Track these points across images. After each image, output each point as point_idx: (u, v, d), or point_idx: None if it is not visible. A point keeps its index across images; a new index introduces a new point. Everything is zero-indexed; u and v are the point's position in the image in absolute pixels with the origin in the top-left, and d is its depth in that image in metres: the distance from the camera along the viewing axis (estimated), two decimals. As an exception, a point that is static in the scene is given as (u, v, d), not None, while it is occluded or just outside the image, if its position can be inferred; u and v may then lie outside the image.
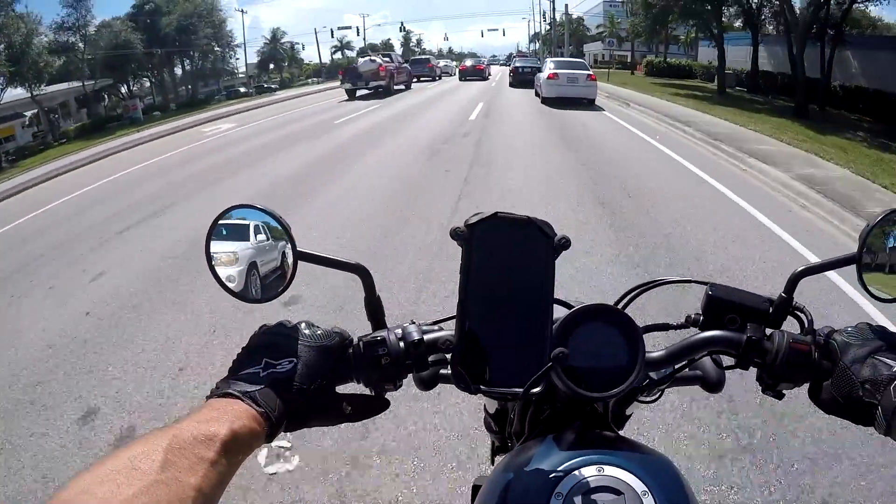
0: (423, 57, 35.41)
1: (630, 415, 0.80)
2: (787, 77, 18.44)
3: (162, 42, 30.47)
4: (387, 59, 22.59)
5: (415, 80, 30.43)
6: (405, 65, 25.29)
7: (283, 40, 52.58)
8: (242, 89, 37.51)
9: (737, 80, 22.45)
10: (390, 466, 2.21)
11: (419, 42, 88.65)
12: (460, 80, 29.83)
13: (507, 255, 0.55)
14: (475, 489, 0.78)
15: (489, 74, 32.63)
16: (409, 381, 0.65)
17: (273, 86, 41.49)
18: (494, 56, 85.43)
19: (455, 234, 0.55)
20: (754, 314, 0.64)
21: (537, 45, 76.88)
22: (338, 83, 21.56)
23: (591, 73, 15.02)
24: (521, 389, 0.53)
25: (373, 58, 21.30)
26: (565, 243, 0.55)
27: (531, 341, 0.55)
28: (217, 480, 0.42)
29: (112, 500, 0.35)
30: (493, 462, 1.01)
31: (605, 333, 0.60)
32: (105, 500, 0.35)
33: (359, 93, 20.89)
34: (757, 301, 0.65)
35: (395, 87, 22.81)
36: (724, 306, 0.65)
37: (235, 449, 0.44)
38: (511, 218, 0.55)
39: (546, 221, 0.55)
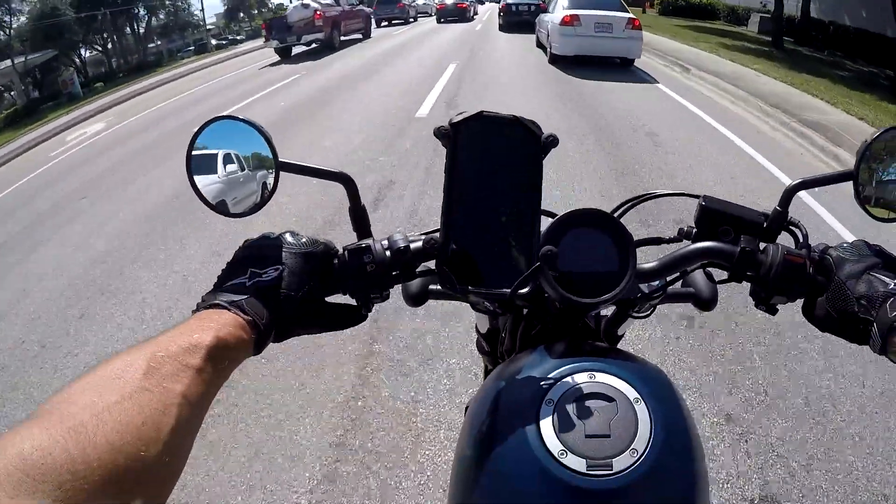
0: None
1: (622, 334, 0.79)
2: (848, 30, 14.78)
3: (96, 2, 26.87)
4: (329, 1, 16.45)
5: (384, 23, 25.30)
6: (360, 6, 18.88)
7: None
8: (213, 42, 33.99)
9: (773, 27, 17.53)
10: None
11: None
12: (437, 22, 23.93)
13: (494, 155, 0.55)
14: (468, 409, 0.70)
15: (474, 14, 26.37)
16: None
17: (240, 37, 37.38)
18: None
19: (439, 134, 0.54)
20: (748, 227, 0.63)
21: None
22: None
23: (632, 16, 9.32)
24: (508, 290, 0.53)
25: (305, 1, 15.17)
26: (553, 141, 0.55)
27: (519, 242, 0.54)
28: (203, 388, 0.41)
29: (95, 406, 0.35)
30: None
31: (596, 239, 0.60)
32: (87, 407, 0.35)
33: (295, 49, 15.42)
34: (751, 214, 0.64)
35: (347, 37, 17.28)
36: (717, 218, 0.64)
37: (222, 357, 0.44)
38: (496, 116, 0.54)
39: (533, 120, 0.54)
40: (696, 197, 0.67)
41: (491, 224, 0.54)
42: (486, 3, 40.57)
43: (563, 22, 9.05)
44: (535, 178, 0.55)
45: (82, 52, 28.91)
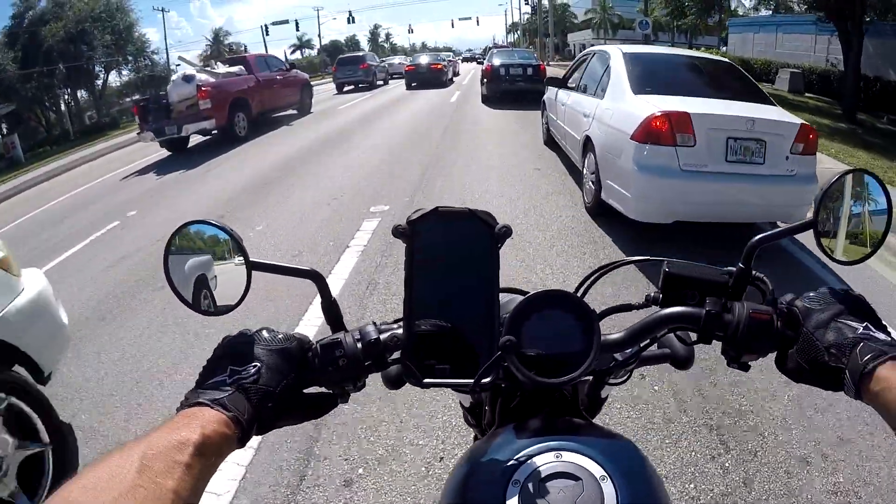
0: (355, 55, 23.58)
1: (605, 398, 0.80)
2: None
3: (47, 57, 25.51)
4: (230, 66, 11.27)
5: (347, 87, 21.10)
6: (294, 71, 13.50)
7: (227, 41, 50.42)
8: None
9: (804, 83, 14.18)
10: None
11: (388, 37, 77.61)
12: (407, 88, 19.05)
13: (451, 248, 0.56)
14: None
15: (452, 77, 21.69)
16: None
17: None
18: (469, 50, 75.47)
19: (397, 233, 0.56)
20: (714, 288, 0.64)
21: (516, 34, 69.20)
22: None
23: (801, 122, 3.73)
24: (471, 381, 0.54)
25: (189, 72, 9.98)
26: (506, 232, 0.56)
27: (481, 332, 0.56)
28: (192, 484, 0.42)
29: None
30: None
31: (560, 319, 0.59)
32: None
33: (195, 139, 10.45)
34: (715, 274, 0.65)
35: (278, 114, 12.49)
36: (682, 282, 0.65)
37: (209, 452, 0.45)
38: (451, 211, 0.56)
39: (487, 212, 0.56)
40: (661, 261, 0.68)
41: (452, 314, 0.56)
42: (468, 64, 36.65)
43: (650, 135, 3.50)
44: (492, 267, 0.56)
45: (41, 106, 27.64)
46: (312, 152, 8.44)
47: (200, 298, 0.63)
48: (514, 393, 0.73)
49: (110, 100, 32.57)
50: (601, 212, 4.25)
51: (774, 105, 4.07)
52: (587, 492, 0.51)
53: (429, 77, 18.78)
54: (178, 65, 12.84)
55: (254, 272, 0.61)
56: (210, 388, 0.52)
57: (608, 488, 0.51)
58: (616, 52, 4.69)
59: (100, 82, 30.72)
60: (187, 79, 9.63)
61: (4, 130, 25.29)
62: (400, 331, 0.58)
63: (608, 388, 0.76)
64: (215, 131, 9.94)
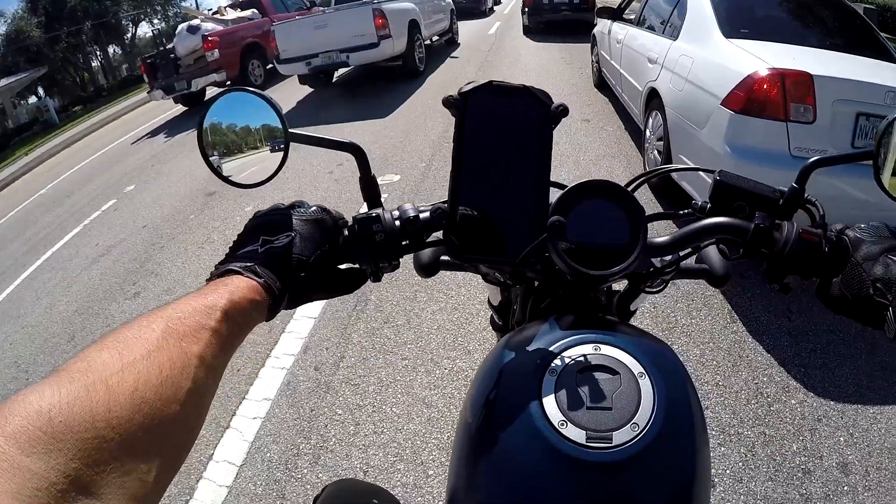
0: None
1: (635, 310, 0.78)
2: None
3: (72, 17, 24.89)
4: (242, 10, 10.09)
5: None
6: (313, 9, 11.17)
7: None
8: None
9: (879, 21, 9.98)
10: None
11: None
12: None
13: (503, 125, 0.54)
14: (474, 377, 0.69)
15: (492, 6, 19.64)
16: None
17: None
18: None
19: (448, 103, 0.54)
20: (764, 203, 0.60)
21: None
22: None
23: None
24: (515, 259, 0.53)
25: (194, 22, 9.04)
26: (563, 111, 0.54)
27: (528, 212, 0.54)
28: (219, 349, 0.41)
29: (115, 364, 0.34)
30: None
31: (608, 211, 0.57)
32: (108, 365, 0.34)
33: (210, 90, 9.19)
34: (767, 190, 0.61)
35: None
36: (732, 193, 0.61)
37: (236, 319, 0.43)
38: (506, 86, 0.54)
39: (543, 90, 0.54)
40: (712, 172, 0.64)
41: (500, 194, 0.54)
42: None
43: (753, 102, 2.34)
44: (544, 148, 0.54)
45: (76, 66, 27.33)
46: (331, 100, 7.48)
47: (238, 171, 0.60)
48: (545, 293, 0.72)
49: (145, 52, 31.62)
50: (670, 191, 3.15)
51: None
52: (624, 386, 0.50)
53: (465, 5, 16.97)
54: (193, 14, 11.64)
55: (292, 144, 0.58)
56: (241, 258, 0.50)
57: (645, 384, 0.50)
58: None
59: (129, 36, 30.30)
60: (192, 29, 8.80)
61: (41, 93, 25.69)
62: (439, 205, 0.56)
63: (641, 298, 0.75)
64: (229, 83, 9.09)
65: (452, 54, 9.54)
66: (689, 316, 2.40)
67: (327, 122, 6.24)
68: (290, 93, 8.07)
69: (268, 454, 1.99)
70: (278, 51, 7.14)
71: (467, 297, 2.69)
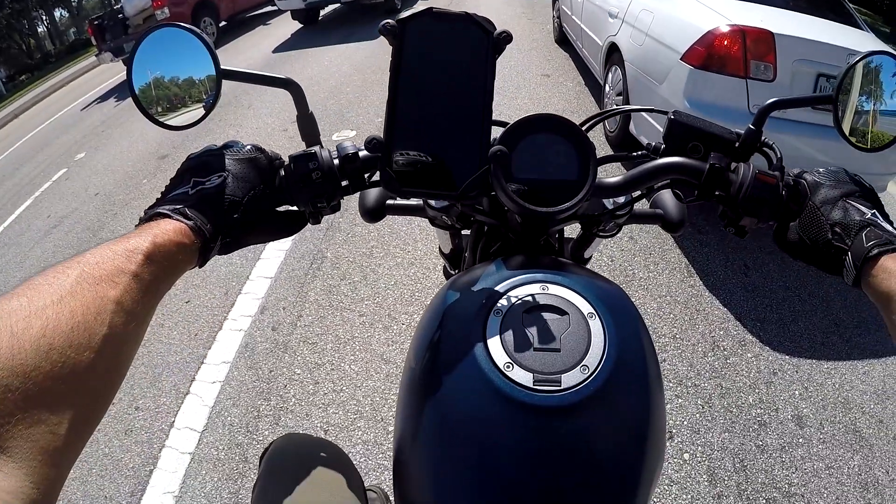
0: None
1: (589, 257, 0.78)
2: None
3: None
4: None
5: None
6: None
7: None
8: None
9: None
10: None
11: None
12: None
13: (443, 54, 0.51)
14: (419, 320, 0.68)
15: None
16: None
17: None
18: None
19: (384, 30, 0.50)
20: (720, 144, 0.59)
21: None
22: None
23: None
24: (455, 191, 0.51)
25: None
26: (506, 37, 0.51)
27: (470, 143, 0.51)
28: (140, 293, 0.38)
29: (22, 310, 0.32)
30: None
31: (555, 146, 0.55)
32: (15, 311, 0.32)
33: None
34: (723, 131, 0.60)
35: (250, 14, 10.98)
36: (687, 133, 0.60)
37: (161, 263, 0.41)
38: (446, 13, 0.51)
39: (486, 17, 0.51)
40: (666, 113, 0.62)
41: (440, 126, 0.51)
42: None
43: (713, 58, 2.35)
44: (487, 78, 0.51)
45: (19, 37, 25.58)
46: (284, 58, 7.27)
47: (165, 112, 0.56)
48: (496, 237, 0.70)
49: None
50: (628, 146, 3.17)
51: (866, 30, 2.83)
52: (573, 327, 0.48)
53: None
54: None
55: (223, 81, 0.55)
56: (170, 201, 0.48)
57: (595, 325, 0.48)
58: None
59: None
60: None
61: (-15, 63, 24.07)
62: (374, 137, 0.52)
63: (595, 244, 0.74)
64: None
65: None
66: (646, 270, 2.45)
67: (316, 45, 7.40)
68: (278, 29, 9.21)
69: (228, 418, 1.98)
70: None
71: (424, 252, 2.69)
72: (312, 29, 8.95)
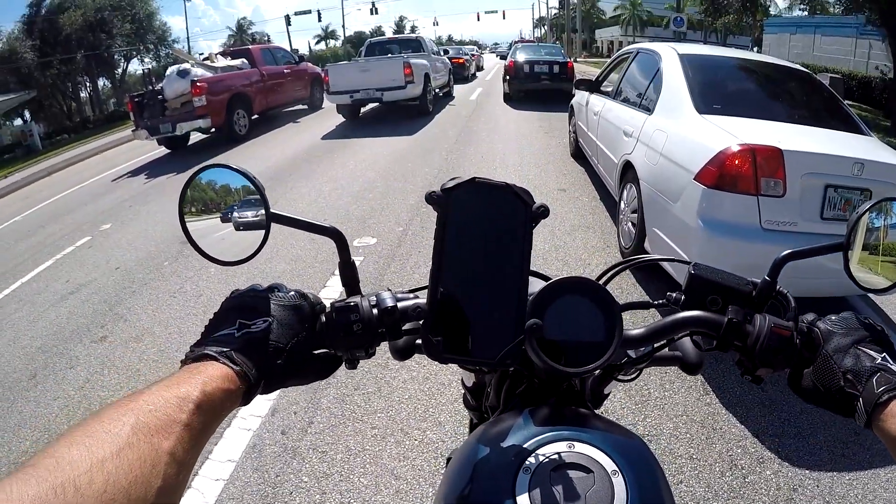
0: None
1: (608, 394, 0.79)
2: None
3: (66, 45, 25.19)
4: (232, 59, 10.37)
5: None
6: (304, 64, 12.49)
7: (251, 31, 50.61)
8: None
9: (844, 90, 11.88)
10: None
11: (413, 30, 76.45)
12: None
13: (484, 222, 0.55)
14: (449, 462, 0.72)
15: (475, 72, 20.62)
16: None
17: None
18: (496, 44, 74.44)
19: (430, 199, 0.54)
20: (737, 296, 0.63)
21: (543, 30, 67.90)
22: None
23: None
24: (492, 361, 0.54)
25: (184, 66, 9.26)
26: (543, 212, 0.55)
27: (506, 311, 0.54)
28: (190, 444, 0.40)
29: (84, 462, 0.33)
30: None
31: (583, 307, 0.58)
32: (78, 462, 0.33)
33: (194, 136, 10.01)
34: (740, 283, 0.64)
35: (288, 109, 12.05)
36: (706, 286, 0.63)
37: (210, 410, 0.42)
38: (488, 183, 0.55)
39: (525, 189, 0.55)
40: (687, 263, 0.66)
41: (479, 291, 0.55)
42: (490, 57, 35.29)
43: (725, 177, 2.47)
44: (524, 246, 0.55)
45: (64, 92, 27.22)
46: (313, 156, 7.63)
47: (218, 247, 0.60)
48: (521, 378, 0.73)
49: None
50: (646, 266, 3.25)
51: (871, 135, 3.04)
52: (598, 485, 0.50)
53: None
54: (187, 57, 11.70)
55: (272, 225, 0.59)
56: (217, 342, 0.49)
57: (619, 483, 0.50)
58: (669, 53, 3.66)
59: (120, 71, 30.47)
60: (182, 73, 8.94)
61: (28, 117, 25.49)
62: (419, 300, 0.58)
63: (615, 383, 0.76)
64: (213, 130, 9.20)
65: (451, 103, 12.15)
66: (662, 389, 2.43)
67: (357, 137, 8.65)
68: (323, 121, 10.68)
69: (229, 520, 1.92)
70: (329, 85, 9.58)
71: (439, 366, 2.69)
72: (353, 122, 10.40)
